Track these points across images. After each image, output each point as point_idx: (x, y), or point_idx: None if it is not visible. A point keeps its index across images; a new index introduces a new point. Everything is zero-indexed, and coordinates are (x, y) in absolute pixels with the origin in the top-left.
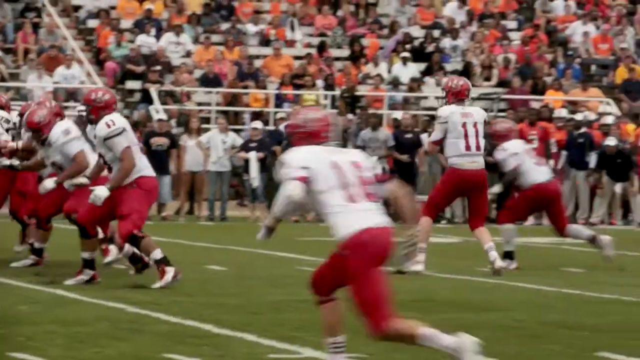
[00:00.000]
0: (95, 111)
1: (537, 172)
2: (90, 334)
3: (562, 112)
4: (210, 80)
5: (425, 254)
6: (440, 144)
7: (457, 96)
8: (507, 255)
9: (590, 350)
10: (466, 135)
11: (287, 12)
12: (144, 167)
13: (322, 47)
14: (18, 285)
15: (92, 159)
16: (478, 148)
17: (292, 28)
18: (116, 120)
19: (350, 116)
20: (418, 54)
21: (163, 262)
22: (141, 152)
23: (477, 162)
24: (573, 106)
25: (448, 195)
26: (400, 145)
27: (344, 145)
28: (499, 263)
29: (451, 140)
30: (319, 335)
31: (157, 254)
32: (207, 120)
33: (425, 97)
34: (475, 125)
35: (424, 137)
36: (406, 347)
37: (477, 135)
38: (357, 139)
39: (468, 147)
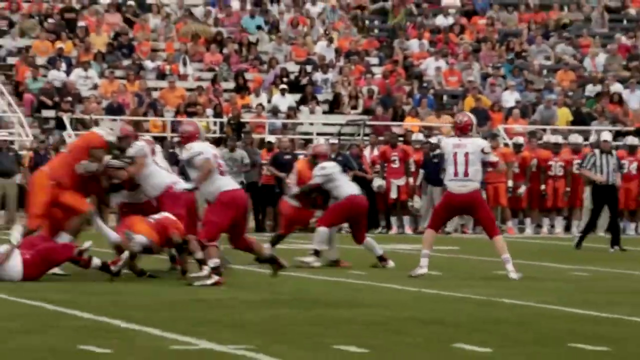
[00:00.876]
0: (183, 141)
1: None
2: (3, 329)
3: (419, 136)
4: (114, 109)
5: (428, 259)
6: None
7: (462, 130)
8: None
9: (447, 342)
10: (455, 163)
11: (180, 50)
12: (223, 185)
13: (214, 80)
14: None
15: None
16: (466, 174)
17: (185, 64)
18: (195, 146)
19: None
20: (294, 86)
21: (215, 270)
22: (219, 171)
23: (465, 187)
24: (428, 131)
25: (443, 212)
26: (279, 165)
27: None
28: (513, 275)
29: (446, 167)
30: (213, 330)
31: (212, 262)
32: None
33: (301, 124)
34: (466, 154)
35: None
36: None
37: (466, 164)
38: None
39: (456, 174)
